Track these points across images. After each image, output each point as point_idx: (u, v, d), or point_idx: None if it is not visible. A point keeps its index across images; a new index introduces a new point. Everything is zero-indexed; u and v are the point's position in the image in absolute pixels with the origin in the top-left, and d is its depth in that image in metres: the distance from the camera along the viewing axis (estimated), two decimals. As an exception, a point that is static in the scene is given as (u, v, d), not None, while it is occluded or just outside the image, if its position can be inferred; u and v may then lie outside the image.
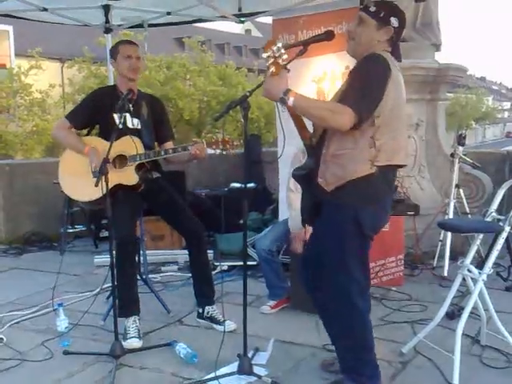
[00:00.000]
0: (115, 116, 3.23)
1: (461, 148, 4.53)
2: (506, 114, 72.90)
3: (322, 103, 2.30)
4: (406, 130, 2.51)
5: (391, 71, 2.29)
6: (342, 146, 2.32)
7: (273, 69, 2.33)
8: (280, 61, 2.32)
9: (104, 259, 4.76)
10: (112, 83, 5.45)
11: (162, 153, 3.30)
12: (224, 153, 3.16)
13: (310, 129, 2.55)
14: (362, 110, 2.21)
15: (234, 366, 2.71)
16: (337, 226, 2.38)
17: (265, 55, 2.33)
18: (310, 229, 3.36)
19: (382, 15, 2.38)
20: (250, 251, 4.47)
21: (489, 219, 2.88)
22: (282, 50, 2.32)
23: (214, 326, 3.33)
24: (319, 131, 2.47)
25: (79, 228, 5.83)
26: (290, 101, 2.25)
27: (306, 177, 2.50)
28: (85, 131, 3.50)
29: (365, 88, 2.24)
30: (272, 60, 2.33)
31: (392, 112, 2.31)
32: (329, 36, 2.53)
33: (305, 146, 2.56)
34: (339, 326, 2.48)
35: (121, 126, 3.24)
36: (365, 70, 2.29)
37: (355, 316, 2.42)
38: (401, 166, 2.45)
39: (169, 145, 3.54)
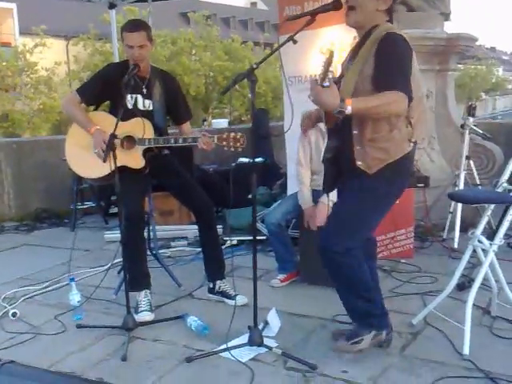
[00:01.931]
0: (128, 96, 3.17)
1: (471, 119, 4.48)
2: (517, 85, 71.78)
3: (377, 100, 2.26)
4: (425, 99, 2.55)
5: (412, 50, 2.34)
6: (379, 128, 2.35)
7: (329, 77, 2.27)
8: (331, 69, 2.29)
9: (114, 235, 4.79)
10: (117, 59, 5.44)
11: (172, 141, 3.25)
12: (232, 150, 3.11)
13: None
14: (409, 91, 2.25)
15: (244, 338, 2.74)
16: (368, 190, 2.43)
17: (331, 69, 2.28)
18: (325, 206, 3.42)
19: None
20: (259, 226, 4.48)
21: (500, 190, 2.85)
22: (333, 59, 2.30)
23: (226, 300, 3.35)
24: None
25: (89, 204, 5.86)
26: (348, 109, 2.22)
27: (332, 159, 2.53)
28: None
29: (403, 69, 2.28)
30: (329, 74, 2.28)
31: (416, 89, 2.35)
32: (336, 6, 2.48)
33: (327, 130, 2.55)
34: (342, 276, 2.55)
35: (130, 106, 3.22)
36: (395, 51, 2.30)
37: (354, 262, 2.48)
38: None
39: (185, 126, 3.52)
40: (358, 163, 2.39)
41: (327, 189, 2.67)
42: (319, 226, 3.45)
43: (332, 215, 2.61)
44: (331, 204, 2.67)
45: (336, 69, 4.22)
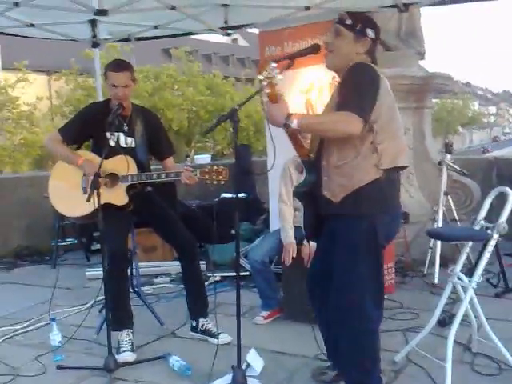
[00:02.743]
0: (107, 134, 3.18)
1: (448, 156, 4.60)
2: (492, 119, 73.73)
3: (326, 117, 2.30)
4: (403, 132, 2.52)
5: (379, 76, 2.33)
6: (344, 156, 2.30)
7: (268, 90, 2.33)
8: (274, 81, 2.32)
9: (96, 272, 4.75)
10: (100, 95, 5.49)
11: (155, 176, 3.27)
12: (215, 183, 3.11)
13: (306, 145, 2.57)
14: (365, 112, 2.21)
15: (227, 378, 2.71)
16: (349, 238, 2.34)
17: (261, 77, 2.33)
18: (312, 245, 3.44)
19: (358, 27, 2.40)
20: (243, 262, 4.49)
21: (477, 227, 2.92)
22: (276, 70, 2.32)
23: (209, 338, 3.33)
24: (315, 145, 2.47)
25: (70, 241, 5.81)
26: (294, 124, 2.26)
27: (307, 193, 2.49)
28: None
29: (361, 92, 2.25)
30: (267, 81, 2.32)
31: (388, 115, 2.33)
32: (315, 49, 2.55)
33: (303, 163, 2.56)
34: (347, 338, 2.43)
35: (113, 144, 3.25)
36: (356, 77, 2.29)
37: (366, 326, 2.38)
38: (403, 168, 2.43)
39: (169, 161, 3.53)
40: (324, 192, 2.36)
41: (309, 233, 2.62)
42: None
43: (335, 274, 2.43)
44: (314, 243, 2.66)
45: (315, 109, 4.34)
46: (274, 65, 2.33)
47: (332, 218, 2.42)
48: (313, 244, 3.45)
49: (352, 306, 2.37)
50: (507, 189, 2.82)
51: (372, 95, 2.26)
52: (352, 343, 2.42)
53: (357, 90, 2.25)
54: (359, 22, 2.41)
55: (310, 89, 4.46)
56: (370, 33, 2.41)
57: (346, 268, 2.37)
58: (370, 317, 2.38)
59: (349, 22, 2.40)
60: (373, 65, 2.37)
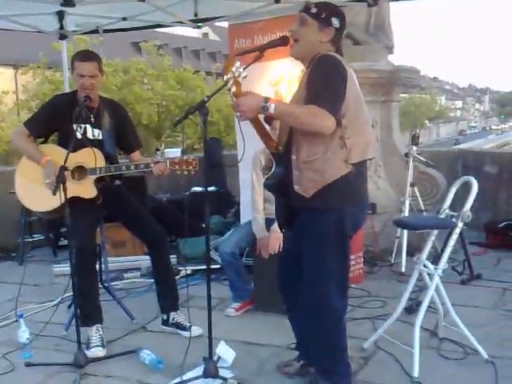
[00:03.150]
0: (74, 125, 3.12)
1: (414, 148, 4.68)
2: (459, 113, 75.26)
3: (303, 108, 2.29)
4: (370, 124, 2.56)
5: (346, 70, 2.33)
6: (313, 151, 2.32)
7: (234, 89, 2.34)
8: (240, 79, 2.34)
9: (64, 268, 4.68)
10: (67, 88, 5.40)
11: (124, 168, 3.25)
12: (185, 173, 3.08)
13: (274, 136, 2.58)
14: (336, 112, 2.24)
15: (199, 370, 2.72)
16: (317, 230, 2.38)
17: (226, 77, 2.34)
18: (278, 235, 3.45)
19: (323, 16, 2.40)
20: (214, 254, 4.49)
21: (442, 216, 2.98)
22: (241, 69, 2.34)
23: (180, 331, 3.33)
24: (284, 138, 2.48)
25: (37, 237, 5.70)
26: (272, 108, 2.26)
27: (277, 185, 2.51)
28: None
29: (331, 90, 2.26)
30: (232, 80, 2.33)
31: (355, 109, 2.35)
32: (284, 41, 2.56)
33: (271, 155, 2.55)
34: (316, 329, 2.48)
35: (79, 136, 3.20)
36: (325, 72, 2.29)
37: (333, 318, 2.44)
38: (370, 159, 2.47)
39: (135, 155, 3.50)
40: (296, 187, 2.37)
41: (282, 222, 2.65)
42: (272, 254, 3.51)
43: (303, 267, 2.47)
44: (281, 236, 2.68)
45: (284, 99, 4.36)
46: (239, 63, 2.35)
47: (302, 211, 2.44)
48: (278, 234, 3.50)
49: (320, 299, 2.41)
50: (471, 178, 2.90)
51: (341, 92, 2.29)
52: (320, 333, 2.47)
53: (327, 88, 2.26)
54: (324, 11, 2.41)
55: (279, 81, 4.47)
56: (335, 22, 2.42)
57: (314, 261, 2.41)
58: (336, 308, 2.43)
59: (314, 10, 2.41)
60: (338, 56, 2.38)
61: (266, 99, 2.29)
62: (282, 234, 3.50)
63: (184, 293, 3.39)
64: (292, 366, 2.76)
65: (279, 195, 2.56)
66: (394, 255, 4.65)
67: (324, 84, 2.27)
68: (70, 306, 3.66)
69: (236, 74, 2.34)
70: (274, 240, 3.54)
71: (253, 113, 2.35)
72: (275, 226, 3.53)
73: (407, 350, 2.75)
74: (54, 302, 3.86)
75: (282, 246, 3.50)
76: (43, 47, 17.89)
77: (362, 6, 4.91)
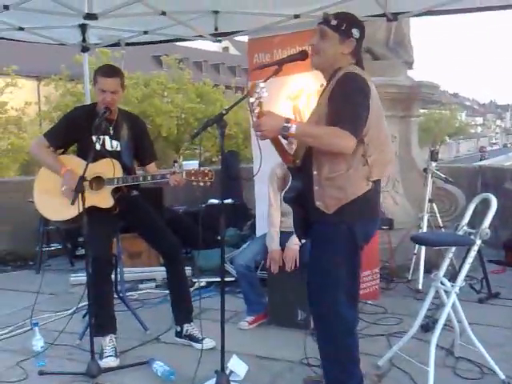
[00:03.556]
0: (93, 137, 3.16)
1: (434, 163, 4.64)
2: (479, 129, 74.56)
3: (324, 129, 2.28)
4: (390, 141, 2.56)
5: (370, 88, 2.34)
6: (336, 168, 2.33)
7: (258, 110, 2.34)
8: (262, 100, 2.34)
9: (80, 278, 4.72)
10: (89, 101, 5.48)
11: (141, 178, 3.28)
12: (201, 184, 3.08)
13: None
14: (357, 132, 2.25)
15: (211, 383, 2.70)
16: (327, 238, 2.39)
17: (252, 100, 2.34)
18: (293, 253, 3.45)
19: (343, 28, 2.39)
20: (228, 267, 4.49)
21: (460, 233, 2.94)
22: (264, 90, 2.34)
23: (193, 344, 3.32)
24: (301, 152, 2.48)
25: (55, 246, 5.76)
26: (293, 129, 2.26)
27: (295, 198, 2.52)
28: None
29: (354, 110, 2.26)
30: (257, 102, 2.33)
31: (377, 126, 2.36)
32: (303, 56, 2.57)
33: (288, 169, 2.58)
34: (326, 340, 2.47)
35: (98, 147, 3.23)
36: (348, 91, 2.29)
37: (342, 327, 2.42)
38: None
39: (151, 167, 3.53)
40: (317, 203, 2.37)
41: (299, 233, 2.65)
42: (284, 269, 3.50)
43: (312, 276, 2.50)
44: (298, 247, 2.68)
45: (302, 116, 4.38)
46: (262, 84, 2.35)
47: (316, 222, 2.44)
48: (295, 248, 3.50)
49: (327, 307, 2.41)
50: (490, 195, 2.85)
51: (364, 112, 2.29)
52: (330, 344, 2.44)
53: (350, 108, 2.26)
54: (344, 22, 2.40)
55: (297, 95, 4.48)
56: (355, 33, 2.41)
57: (322, 270, 2.41)
58: (344, 317, 2.40)
59: (334, 22, 2.39)
60: (361, 71, 2.38)
61: (287, 120, 2.29)
62: (297, 251, 3.50)
63: (197, 305, 3.39)
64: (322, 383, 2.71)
65: (297, 207, 2.57)
66: (411, 272, 4.59)
67: (347, 104, 2.27)
68: (84, 316, 3.68)
69: (261, 95, 2.34)
70: (290, 257, 3.52)
71: (273, 133, 2.35)
72: (291, 242, 3.52)
73: (422, 368, 2.70)
74: (69, 312, 3.89)
75: (298, 262, 3.51)
76: (65, 60, 18.23)
77: (381, 21, 4.91)
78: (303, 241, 2.82)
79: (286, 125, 2.26)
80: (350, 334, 2.44)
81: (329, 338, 2.45)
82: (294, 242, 3.51)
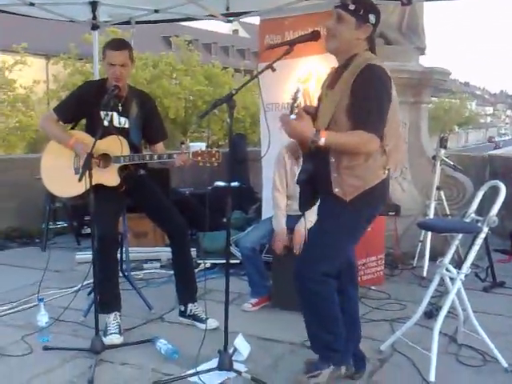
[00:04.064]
0: (102, 113, 3.15)
1: (443, 151, 4.60)
2: (489, 119, 73.95)
3: (350, 136, 2.35)
4: (401, 128, 2.60)
5: (391, 80, 2.37)
6: (355, 157, 2.38)
7: (297, 110, 2.38)
8: (298, 101, 2.39)
9: (85, 256, 4.74)
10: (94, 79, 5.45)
11: (147, 157, 3.26)
12: (208, 165, 3.07)
13: None
14: (381, 132, 2.33)
15: (214, 362, 2.72)
16: (337, 215, 2.46)
17: (296, 104, 2.38)
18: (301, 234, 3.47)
19: (361, 13, 2.38)
20: (233, 249, 4.49)
21: (468, 220, 2.92)
22: (299, 94, 2.39)
23: (197, 323, 3.34)
24: None
25: (61, 224, 5.79)
26: (322, 141, 2.31)
27: (307, 181, 2.56)
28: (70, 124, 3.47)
29: (378, 107, 2.32)
30: (298, 103, 2.38)
31: (394, 117, 2.40)
32: (315, 36, 2.54)
33: (302, 155, 2.62)
34: (310, 303, 2.55)
35: (106, 124, 3.22)
36: (375, 87, 2.32)
37: (323, 291, 2.48)
38: None
39: (159, 146, 3.50)
40: (336, 190, 2.42)
41: (303, 208, 2.68)
42: (290, 252, 3.50)
43: (308, 241, 2.63)
44: (310, 224, 2.71)
45: (312, 99, 4.34)
46: (300, 87, 2.47)
47: (331, 201, 2.48)
48: (303, 232, 3.51)
49: (304, 262, 2.50)
50: (499, 182, 2.83)
51: (387, 107, 2.35)
52: (309, 304, 2.56)
53: (375, 104, 2.31)
54: (362, 7, 2.38)
55: (307, 79, 4.45)
56: (372, 18, 2.40)
57: (315, 232, 2.53)
58: (328, 281, 2.47)
59: (352, 7, 2.38)
60: (381, 64, 2.38)
61: (317, 133, 2.31)
62: (305, 233, 3.49)
63: (202, 286, 3.41)
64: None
65: (306, 187, 2.60)
66: (415, 259, 4.58)
67: (373, 103, 2.31)
68: (89, 293, 3.70)
69: (297, 97, 2.40)
70: (298, 240, 3.51)
71: (296, 138, 2.43)
72: (300, 225, 3.51)
73: (425, 354, 2.71)
74: (75, 288, 3.91)
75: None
76: (74, 38, 18.18)
77: (395, 5, 4.85)
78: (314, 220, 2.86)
79: (314, 138, 2.31)
80: (331, 296, 2.51)
81: (312, 303, 2.53)
82: (304, 226, 3.49)
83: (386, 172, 2.43)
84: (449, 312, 2.81)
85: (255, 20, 5.04)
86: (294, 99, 2.39)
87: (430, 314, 3.29)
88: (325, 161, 2.44)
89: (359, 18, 2.38)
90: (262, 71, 2.57)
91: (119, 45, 3.28)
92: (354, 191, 2.39)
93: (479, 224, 2.84)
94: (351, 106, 2.35)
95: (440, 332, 2.74)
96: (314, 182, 2.53)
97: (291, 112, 2.38)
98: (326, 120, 2.42)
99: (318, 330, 2.58)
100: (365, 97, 2.31)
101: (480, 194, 2.98)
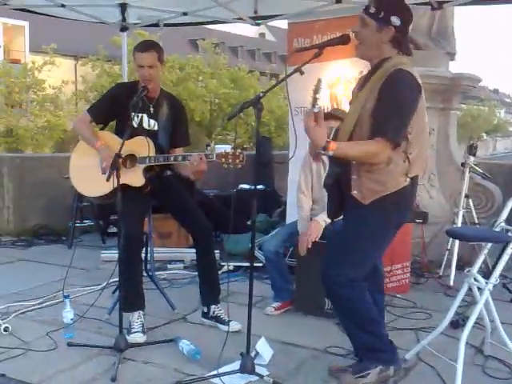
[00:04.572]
0: (132, 114, 3.17)
1: (472, 158, 4.52)
2: (518, 128, 72.37)
3: (360, 147, 2.35)
4: (428, 139, 2.57)
5: (420, 87, 2.33)
6: None
7: (318, 106, 2.34)
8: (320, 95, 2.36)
9: (111, 254, 4.79)
10: (126, 81, 5.52)
11: (172, 158, 3.26)
12: (231, 166, 3.03)
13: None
14: (399, 137, 2.30)
15: (236, 365, 2.71)
16: (364, 221, 2.44)
17: (318, 96, 2.35)
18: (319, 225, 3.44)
19: (381, 16, 2.36)
20: (257, 253, 4.48)
21: (497, 229, 2.87)
22: (321, 84, 2.37)
23: (219, 325, 3.34)
24: (344, 139, 2.48)
25: (87, 223, 5.87)
26: (330, 153, 2.32)
27: (334, 185, 2.56)
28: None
29: (399, 114, 2.29)
30: (319, 99, 2.35)
31: (421, 125, 2.38)
32: (344, 40, 2.53)
33: (329, 156, 2.56)
34: (344, 309, 2.54)
35: (135, 125, 3.25)
36: (399, 93, 2.30)
37: (355, 294, 2.47)
38: None
39: (177, 151, 3.44)
40: (354, 192, 2.42)
41: (331, 215, 2.68)
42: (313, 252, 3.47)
43: (335, 245, 2.61)
44: (324, 224, 2.71)
45: (339, 103, 4.33)
46: (322, 80, 2.39)
47: (352, 208, 2.48)
48: (322, 224, 3.49)
49: (331, 265, 2.49)
50: (530, 192, 2.77)
51: (410, 116, 2.32)
52: (345, 312, 2.56)
53: (396, 110, 2.29)
54: (382, 10, 2.36)
55: (335, 83, 4.43)
56: (395, 20, 2.36)
57: (353, 248, 2.48)
58: (357, 285, 2.46)
59: (372, 10, 2.37)
60: (409, 67, 2.34)
61: (326, 145, 2.29)
62: (322, 226, 3.48)
63: (225, 288, 3.41)
64: (346, 372, 2.67)
65: (334, 193, 2.59)
66: (442, 267, 4.50)
67: (395, 109, 2.29)
68: (114, 292, 3.74)
69: (320, 91, 2.37)
70: (314, 229, 3.48)
71: (314, 145, 2.38)
72: (319, 216, 3.48)
73: (450, 364, 2.65)
74: (100, 286, 3.95)
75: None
76: (102, 40, 18.45)
77: (425, 10, 4.79)
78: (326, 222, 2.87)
79: (323, 151, 2.32)
80: (363, 297, 2.50)
81: (346, 308, 2.52)
82: (323, 218, 3.47)
83: (408, 180, 2.39)
84: (475, 323, 2.75)
85: (282, 24, 5.05)
86: (316, 90, 2.34)
87: (457, 323, 3.23)
88: (348, 163, 2.44)
89: (380, 20, 2.36)
90: (291, 74, 2.57)
91: (147, 46, 3.30)
92: (372, 195, 2.38)
93: (509, 233, 2.79)
94: (375, 110, 2.33)
95: (466, 343, 2.68)
96: (341, 187, 2.51)
97: (313, 104, 2.33)
98: (352, 123, 2.42)
99: (356, 332, 2.56)
100: (387, 102, 2.29)
101: (510, 204, 2.92)
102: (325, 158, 3.03)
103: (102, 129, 3.51)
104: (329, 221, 3.38)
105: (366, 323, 2.52)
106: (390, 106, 2.29)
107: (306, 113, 2.39)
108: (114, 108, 3.34)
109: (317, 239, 3.47)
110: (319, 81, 2.36)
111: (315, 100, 2.34)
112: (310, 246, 3.47)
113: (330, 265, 2.51)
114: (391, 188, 2.37)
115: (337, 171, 2.52)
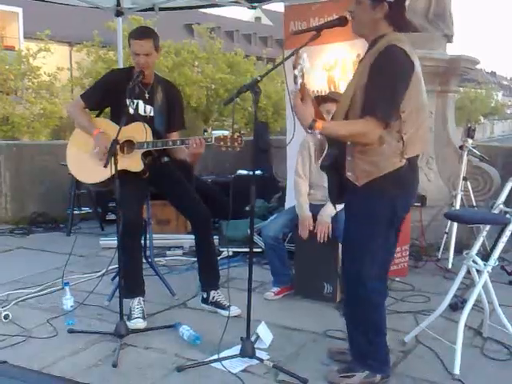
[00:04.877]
0: (127, 100, 3.14)
1: (470, 141, 4.52)
2: (515, 110, 72.26)
3: (348, 126, 2.33)
4: (427, 119, 2.53)
5: (413, 63, 2.28)
6: None
7: (301, 81, 2.33)
8: (304, 70, 2.33)
9: (110, 241, 4.79)
10: (121, 67, 5.47)
11: (170, 143, 3.25)
12: (230, 149, 3.03)
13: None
14: (389, 116, 2.25)
15: (236, 349, 2.73)
16: (365, 209, 2.40)
17: (296, 72, 2.32)
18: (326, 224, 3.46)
19: None
20: (256, 238, 4.48)
21: (496, 211, 2.87)
22: (306, 60, 2.34)
23: (219, 310, 3.35)
24: (339, 119, 2.46)
25: (85, 210, 5.86)
26: (317, 132, 2.31)
27: (332, 165, 2.52)
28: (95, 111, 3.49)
29: (391, 92, 2.24)
30: (301, 73, 2.32)
31: (416, 102, 2.33)
32: (342, 22, 2.50)
33: (327, 138, 2.56)
34: (355, 310, 2.51)
35: (131, 111, 3.23)
36: (390, 70, 2.25)
37: (372, 300, 2.44)
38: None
39: (174, 135, 3.45)
40: (348, 174, 2.39)
41: (333, 200, 2.66)
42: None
43: (351, 241, 2.53)
44: (330, 219, 2.68)
45: (337, 86, 4.30)
46: (305, 55, 2.34)
47: (351, 193, 2.45)
48: (328, 221, 3.48)
49: (357, 276, 2.43)
50: (529, 174, 2.77)
51: (402, 93, 2.26)
52: (358, 315, 2.48)
53: (386, 87, 2.23)
54: None
55: (333, 66, 4.39)
56: None
57: (356, 240, 2.44)
58: (372, 288, 2.41)
59: None
60: (403, 44, 2.29)
61: (313, 123, 2.29)
62: (330, 224, 3.48)
63: (224, 274, 3.41)
64: (345, 354, 2.70)
65: (333, 175, 2.56)
66: (441, 251, 4.51)
67: (384, 85, 2.24)
68: (114, 278, 3.74)
69: (303, 66, 2.33)
70: (322, 230, 3.49)
71: (300, 122, 2.36)
72: (324, 213, 3.48)
73: (449, 346, 2.68)
74: (99, 273, 3.95)
75: (330, 234, 3.50)
76: (97, 26, 18.25)
77: (422, -9, 4.75)
78: (338, 208, 2.83)
79: (310, 130, 2.31)
80: (379, 307, 2.46)
81: (357, 309, 2.47)
82: (328, 213, 3.47)
83: (404, 161, 2.33)
84: (474, 305, 2.77)
85: (278, 7, 5.07)
86: (294, 65, 2.31)
87: (455, 306, 3.25)
88: (344, 145, 2.41)
89: None
90: (288, 57, 2.53)
91: (143, 34, 3.27)
92: (366, 176, 2.34)
93: (507, 215, 2.79)
94: (366, 87, 2.29)
95: (465, 325, 2.70)
96: (340, 169, 2.46)
97: (295, 81, 2.31)
98: (347, 101, 2.39)
99: (358, 337, 2.52)
100: (377, 80, 2.25)
101: (508, 186, 2.92)
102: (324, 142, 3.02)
103: (97, 116, 3.48)
104: (334, 212, 3.38)
105: (372, 333, 2.47)
106: (379, 84, 2.24)
107: (291, 92, 2.37)
108: (108, 94, 3.32)
109: (329, 235, 3.49)
110: (299, 56, 2.32)
111: (295, 77, 2.31)
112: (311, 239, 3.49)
113: (356, 264, 2.44)
114: (385, 169, 2.32)
115: (334, 153, 2.49)
